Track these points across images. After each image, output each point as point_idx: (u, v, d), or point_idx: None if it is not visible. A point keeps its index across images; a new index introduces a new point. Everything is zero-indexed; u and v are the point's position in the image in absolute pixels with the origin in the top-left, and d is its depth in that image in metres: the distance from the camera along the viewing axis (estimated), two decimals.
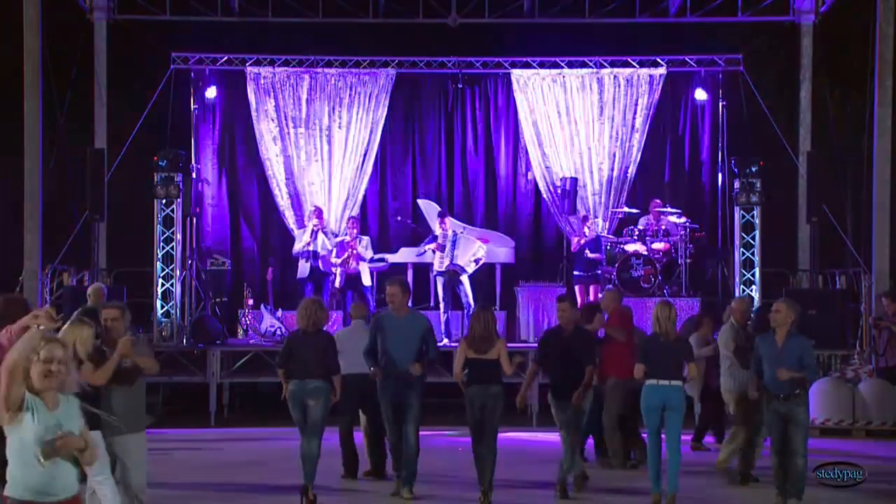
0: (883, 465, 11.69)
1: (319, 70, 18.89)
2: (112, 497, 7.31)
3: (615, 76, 18.79)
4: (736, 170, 16.70)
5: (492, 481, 9.60)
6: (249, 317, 17.10)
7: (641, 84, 18.75)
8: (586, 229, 17.13)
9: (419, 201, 18.54)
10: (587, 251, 16.89)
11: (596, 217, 18.39)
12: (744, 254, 16.67)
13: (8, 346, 6.76)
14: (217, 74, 19.08)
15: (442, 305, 16.25)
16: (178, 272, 16.80)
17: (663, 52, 18.78)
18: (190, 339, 16.19)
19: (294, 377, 9.67)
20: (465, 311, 15.83)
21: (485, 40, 19.05)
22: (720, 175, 18.66)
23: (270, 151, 18.79)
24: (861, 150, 17.40)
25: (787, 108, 19.00)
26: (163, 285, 16.74)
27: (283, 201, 18.77)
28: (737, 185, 16.72)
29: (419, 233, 18.37)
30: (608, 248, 17.44)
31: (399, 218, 18.78)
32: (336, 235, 17.47)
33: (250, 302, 17.34)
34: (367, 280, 16.81)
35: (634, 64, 18.78)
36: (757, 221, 16.61)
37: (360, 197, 18.83)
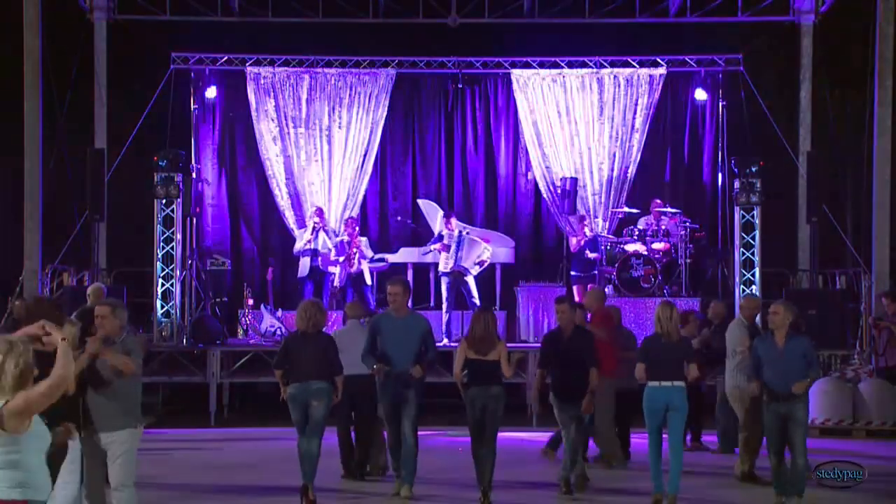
0: (883, 465, 11.68)
1: (319, 70, 18.90)
2: (62, 499, 7.26)
3: (615, 76, 18.79)
4: (736, 170, 16.69)
5: (491, 481, 9.59)
6: (249, 317, 17.10)
7: (641, 84, 18.76)
8: (586, 230, 17.13)
9: (419, 201, 18.54)
10: (587, 251, 16.89)
11: (596, 217, 18.40)
12: (744, 254, 16.66)
13: None
14: (217, 74, 19.09)
15: (444, 305, 16.26)
16: (178, 272, 16.79)
17: (663, 52, 18.79)
18: (190, 339, 16.18)
19: (295, 380, 9.67)
20: (471, 311, 15.83)
21: (485, 40, 19.05)
22: (720, 175, 18.67)
23: (270, 151, 18.80)
24: (861, 150, 17.41)
25: (787, 108, 19.00)
26: (163, 285, 16.73)
27: (283, 201, 18.77)
28: (737, 185, 16.71)
29: (419, 233, 18.39)
30: (608, 248, 17.45)
31: (399, 218, 18.79)
32: (337, 234, 17.47)
33: (250, 302, 17.34)
34: (368, 279, 16.82)
35: (634, 64, 18.79)
36: (757, 221, 16.60)
37: (360, 197, 18.84)
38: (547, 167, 18.74)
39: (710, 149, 19.09)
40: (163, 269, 16.74)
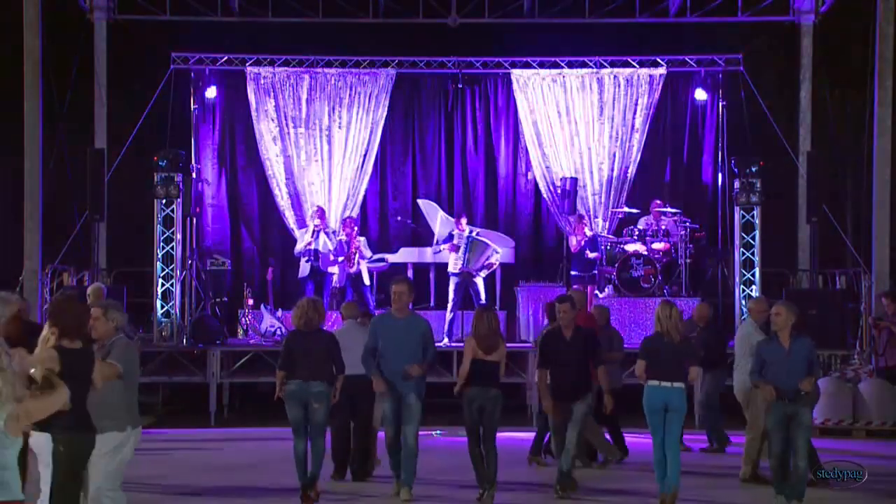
0: (883, 466, 11.70)
1: (319, 70, 18.90)
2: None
3: (615, 76, 18.79)
4: (736, 170, 16.69)
5: (495, 478, 9.63)
6: (249, 317, 17.10)
7: (641, 84, 18.76)
8: (586, 229, 17.13)
9: (419, 201, 18.54)
10: (587, 251, 16.89)
11: (596, 217, 18.40)
12: (744, 254, 16.66)
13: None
14: (217, 74, 19.09)
15: (450, 305, 16.25)
16: (178, 272, 16.78)
17: (663, 52, 18.79)
18: (190, 339, 16.18)
19: (296, 377, 9.68)
20: None
21: (485, 40, 19.05)
22: (720, 175, 18.67)
23: (270, 151, 18.80)
24: (861, 150, 17.41)
25: (787, 108, 19.01)
26: (163, 285, 16.73)
27: (283, 201, 18.77)
28: (737, 185, 16.71)
29: (419, 233, 18.39)
30: (608, 248, 17.45)
31: (399, 218, 18.79)
32: (336, 235, 17.47)
33: (250, 302, 17.34)
34: (366, 279, 16.82)
35: (634, 64, 18.79)
36: (757, 221, 16.60)
37: (360, 197, 18.84)
38: (547, 167, 18.74)
39: (710, 149, 19.08)
40: (163, 269, 16.74)
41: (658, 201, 17.85)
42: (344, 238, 16.77)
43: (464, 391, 9.75)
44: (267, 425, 14.30)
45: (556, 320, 11.09)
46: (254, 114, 18.83)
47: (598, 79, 18.81)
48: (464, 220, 16.67)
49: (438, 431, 13.57)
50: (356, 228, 17.16)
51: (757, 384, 9.30)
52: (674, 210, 17.76)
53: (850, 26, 18.56)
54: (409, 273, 17.37)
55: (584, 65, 18.85)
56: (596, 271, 17.02)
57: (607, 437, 11.74)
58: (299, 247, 17.00)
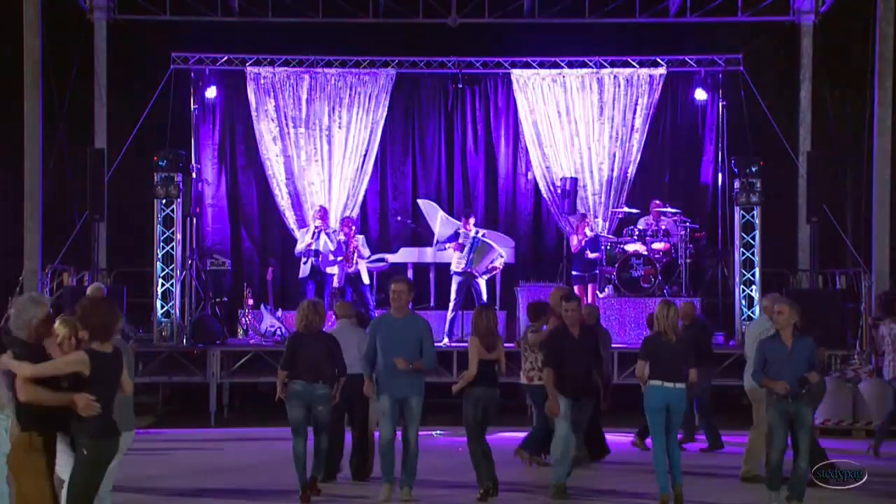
0: (883, 465, 11.70)
1: (319, 70, 18.90)
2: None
3: (615, 76, 18.79)
4: (736, 170, 16.69)
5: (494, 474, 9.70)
6: (249, 317, 17.11)
7: (641, 84, 18.76)
8: (587, 230, 17.13)
9: (419, 201, 18.54)
10: (587, 251, 16.89)
11: (596, 217, 18.40)
12: (744, 254, 16.66)
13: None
14: (217, 74, 19.09)
15: (451, 305, 16.24)
16: (178, 272, 16.79)
17: (663, 52, 18.79)
18: (190, 339, 16.18)
19: (300, 378, 9.69)
20: None
21: (485, 40, 19.05)
22: (720, 175, 18.67)
23: (270, 151, 18.80)
24: (861, 150, 17.41)
25: (787, 108, 19.00)
26: (163, 285, 16.73)
27: (283, 201, 18.77)
28: (737, 185, 16.71)
29: (419, 233, 18.39)
30: (608, 248, 17.45)
31: (399, 218, 18.80)
32: (336, 235, 17.46)
33: (250, 302, 17.35)
34: (366, 278, 16.81)
35: (634, 64, 18.79)
36: (757, 221, 16.60)
37: (360, 197, 18.84)
38: (547, 167, 18.75)
39: (711, 149, 19.08)
40: (163, 269, 16.74)
41: (658, 201, 17.85)
42: (343, 238, 16.77)
43: (468, 391, 9.77)
44: (267, 425, 14.31)
45: (540, 320, 11.20)
46: (254, 114, 18.83)
47: (598, 79, 18.81)
48: (471, 221, 16.64)
49: (438, 431, 13.56)
50: (354, 228, 17.16)
51: (763, 384, 9.27)
52: (674, 210, 17.76)
53: (850, 26, 18.55)
54: (409, 273, 17.38)
55: (584, 65, 18.85)
56: (598, 271, 17.02)
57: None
58: (300, 247, 17.00)
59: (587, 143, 18.73)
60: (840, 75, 19.19)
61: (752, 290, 16.54)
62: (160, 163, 16.58)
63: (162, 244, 16.74)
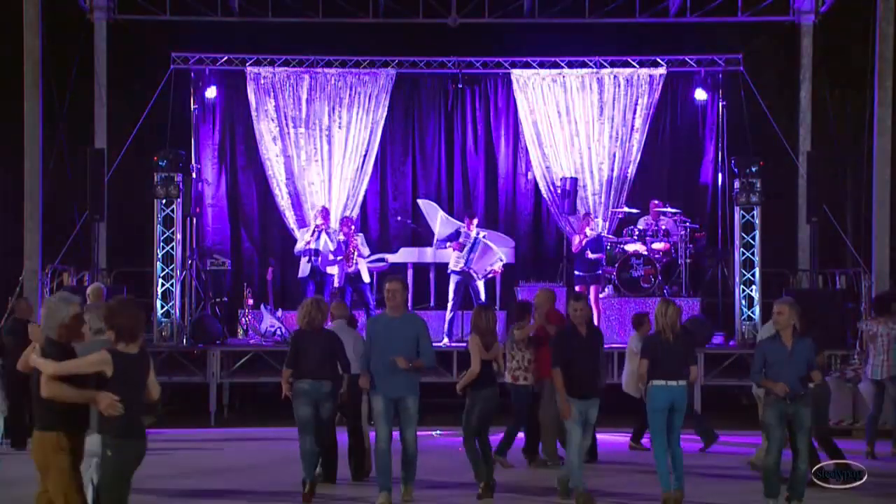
0: (883, 466, 11.70)
1: (319, 70, 18.90)
2: None
3: (615, 76, 18.79)
4: (736, 170, 16.68)
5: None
6: (249, 317, 17.11)
7: (641, 84, 18.76)
8: (588, 230, 17.13)
9: (419, 201, 18.54)
10: (588, 251, 16.89)
11: (596, 217, 18.38)
12: (744, 254, 16.65)
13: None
14: (217, 74, 19.09)
15: (450, 304, 16.22)
16: (178, 272, 16.78)
17: (663, 52, 18.78)
18: (190, 339, 16.19)
19: (305, 376, 9.70)
20: None
21: (485, 40, 19.05)
22: (720, 175, 18.67)
23: (270, 151, 18.80)
24: (861, 150, 17.41)
25: (787, 108, 19.01)
26: (163, 285, 16.73)
27: (283, 201, 18.78)
28: (737, 185, 16.70)
29: (419, 233, 18.39)
30: (608, 248, 17.44)
31: (399, 218, 18.80)
32: (336, 235, 17.46)
33: (250, 302, 17.35)
34: (366, 277, 16.80)
35: (634, 64, 18.78)
36: (757, 221, 16.59)
37: (360, 197, 18.84)
38: (547, 167, 18.75)
39: (710, 149, 19.08)
40: (163, 269, 16.74)
41: (658, 201, 17.86)
42: (342, 238, 16.77)
43: (472, 390, 9.82)
44: (267, 425, 14.31)
45: (524, 319, 11.23)
46: (254, 114, 18.83)
47: (598, 79, 18.80)
48: (474, 222, 16.60)
49: (438, 431, 13.56)
50: (353, 227, 17.15)
51: (763, 384, 9.26)
52: (674, 210, 17.76)
53: (850, 26, 18.56)
54: (410, 273, 17.39)
55: (584, 65, 18.84)
56: (600, 271, 17.01)
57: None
58: (299, 246, 16.99)
59: (587, 143, 18.73)
60: (840, 75, 19.20)
61: (752, 290, 16.53)
62: (160, 163, 16.58)
63: (162, 244, 16.74)
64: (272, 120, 18.81)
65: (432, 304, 17.45)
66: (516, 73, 18.92)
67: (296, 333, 10.14)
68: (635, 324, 12.62)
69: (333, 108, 18.83)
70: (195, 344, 15.99)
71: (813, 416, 10.63)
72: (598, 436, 11.80)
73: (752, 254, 16.63)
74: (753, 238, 16.61)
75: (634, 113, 18.72)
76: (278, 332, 16.32)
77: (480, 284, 16.31)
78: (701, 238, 18.03)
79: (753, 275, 16.61)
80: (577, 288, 16.87)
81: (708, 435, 12.74)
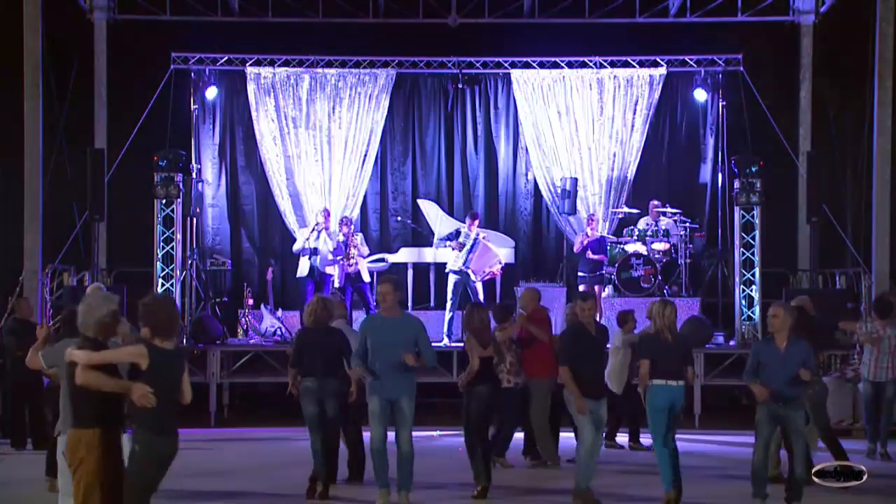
0: (883, 466, 11.70)
1: (319, 70, 18.90)
2: None
3: (615, 76, 18.79)
4: (736, 170, 16.69)
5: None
6: (249, 317, 17.11)
7: (641, 84, 18.76)
8: (589, 230, 17.13)
9: (419, 201, 18.55)
10: (588, 252, 16.89)
11: (596, 217, 18.39)
12: (744, 254, 16.66)
13: None
14: (217, 74, 19.09)
15: (448, 304, 16.19)
16: (178, 272, 16.79)
17: (663, 52, 18.78)
18: (190, 339, 16.19)
19: (311, 374, 9.73)
20: None
21: (485, 40, 19.05)
22: (720, 175, 18.67)
23: (270, 151, 18.80)
24: (861, 150, 17.42)
25: (787, 108, 19.00)
26: (163, 285, 16.73)
27: (283, 201, 18.78)
28: (737, 185, 16.70)
29: (419, 233, 18.39)
30: (608, 248, 17.44)
31: (399, 218, 18.81)
32: (335, 235, 17.46)
33: (250, 302, 17.35)
34: (366, 276, 16.80)
35: (634, 64, 18.78)
36: (757, 221, 16.60)
37: (360, 197, 18.84)
38: (547, 167, 18.75)
39: (710, 149, 19.08)
40: (163, 269, 16.75)
41: (658, 201, 17.85)
42: (341, 238, 16.77)
43: (471, 388, 9.86)
44: (267, 425, 14.31)
45: (507, 320, 11.39)
46: (254, 114, 18.83)
47: (598, 79, 18.80)
48: (476, 222, 16.58)
49: (438, 431, 13.57)
50: (353, 227, 17.15)
51: (750, 386, 9.26)
52: (674, 210, 17.76)
53: (850, 26, 18.55)
54: (410, 273, 17.40)
55: (584, 65, 18.84)
56: (604, 272, 17.01)
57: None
58: (298, 244, 16.98)
59: (587, 143, 18.73)
60: (840, 75, 19.20)
61: (751, 290, 16.54)
62: (160, 163, 16.59)
63: (162, 244, 16.74)
64: (272, 120, 18.81)
65: (432, 304, 17.44)
66: (516, 74, 18.92)
67: (300, 332, 10.17)
68: (620, 322, 12.70)
69: (333, 108, 18.82)
70: (195, 344, 15.99)
71: (814, 417, 10.67)
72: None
73: (752, 254, 16.63)
74: (753, 238, 16.62)
75: (634, 113, 18.72)
76: (278, 332, 16.32)
77: (479, 285, 16.31)
78: (701, 238, 18.03)
79: (753, 275, 16.62)
80: (581, 288, 16.87)
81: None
